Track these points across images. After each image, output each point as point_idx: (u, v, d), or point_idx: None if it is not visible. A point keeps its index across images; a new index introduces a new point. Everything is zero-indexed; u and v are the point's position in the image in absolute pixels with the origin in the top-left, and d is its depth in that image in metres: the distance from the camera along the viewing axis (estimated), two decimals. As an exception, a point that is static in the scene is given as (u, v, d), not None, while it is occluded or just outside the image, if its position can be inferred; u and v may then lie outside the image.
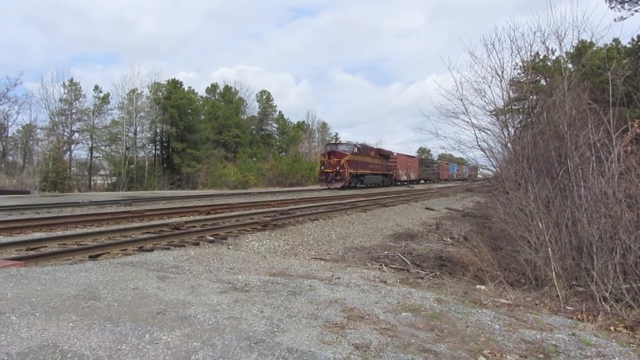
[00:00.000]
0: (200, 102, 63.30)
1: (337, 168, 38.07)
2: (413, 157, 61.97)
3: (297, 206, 19.85)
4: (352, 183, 39.60)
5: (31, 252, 8.21)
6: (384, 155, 50.00)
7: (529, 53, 10.56)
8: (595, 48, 14.28)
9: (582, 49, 12.24)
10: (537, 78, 14.40)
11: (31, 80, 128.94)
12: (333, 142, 45.91)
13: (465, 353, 3.67)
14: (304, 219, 15.06)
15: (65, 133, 47.03)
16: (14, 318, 3.82)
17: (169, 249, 9.18)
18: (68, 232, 10.73)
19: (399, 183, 54.93)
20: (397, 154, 54.77)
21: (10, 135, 47.09)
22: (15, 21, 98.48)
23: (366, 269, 8.79)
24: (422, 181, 65.33)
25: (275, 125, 77.26)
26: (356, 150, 40.80)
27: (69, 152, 47.22)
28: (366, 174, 42.94)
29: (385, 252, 11.57)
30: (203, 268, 7.12)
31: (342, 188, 37.35)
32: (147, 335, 3.57)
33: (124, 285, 5.18)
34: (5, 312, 3.93)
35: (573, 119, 9.01)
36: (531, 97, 11.78)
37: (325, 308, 4.68)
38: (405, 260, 10.55)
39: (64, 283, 5.23)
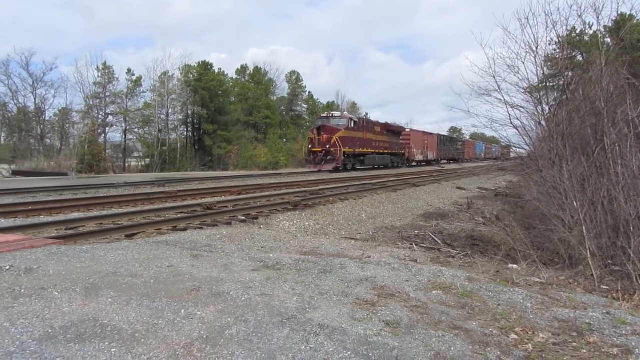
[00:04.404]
0: (231, 84, 63.53)
1: (328, 146, 31.54)
2: (431, 134, 54.74)
3: (327, 186, 19.88)
4: (347, 164, 33.45)
5: (70, 231, 8.47)
6: (393, 131, 43.20)
7: (564, 27, 10.28)
8: (635, 21, 13.74)
9: (621, 22, 11.81)
10: (573, 53, 13.96)
11: (66, 65, 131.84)
12: (324, 115, 37.13)
13: (496, 331, 3.65)
14: (334, 199, 15.09)
15: (100, 116, 47.96)
16: (56, 294, 3.97)
17: (202, 228, 9.33)
18: (104, 212, 11.02)
19: (414, 164, 48.69)
20: (411, 130, 49.64)
21: (47, 118, 48.40)
22: (53, 5, 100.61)
23: (397, 248, 8.79)
24: (445, 161, 59.89)
25: (305, 106, 77.07)
26: (352, 125, 34.15)
27: (103, 135, 48.15)
28: (368, 153, 36.51)
29: (416, 232, 11.54)
30: (235, 247, 7.24)
31: (335, 171, 31.27)
32: (182, 311, 3.67)
33: (159, 263, 5.32)
34: (48, 288, 4.10)
35: (610, 94, 8.73)
36: (567, 73, 11.45)
37: (356, 286, 4.72)
38: (436, 239, 10.51)
39: (102, 261, 5.40)
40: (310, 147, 33.15)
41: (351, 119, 34.64)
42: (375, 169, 38.87)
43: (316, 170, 31.90)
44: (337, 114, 36.66)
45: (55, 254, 5.68)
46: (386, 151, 40.88)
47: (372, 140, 37.49)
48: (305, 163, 34.92)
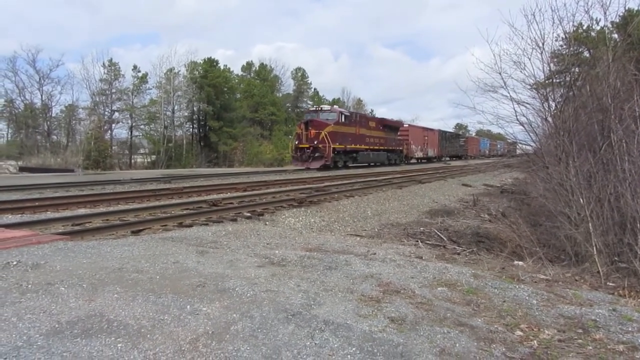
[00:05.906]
0: (236, 81, 63.58)
1: (315, 142, 28.90)
2: (432, 129, 52.16)
3: (332, 183, 19.86)
4: (338, 162, 30.85)
5: (77, 227, 8.52)
6: (389, 126, 40.27)
7: (571, 23, 10.17)
8: (642, 16, 13.64)
9: (629, 18, 11.72)
10: (580, 49, 13.87)
11: (72, 61, 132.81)
12: (313, 109, 34.43)
13: (501, 327, 3.65)
14: (339, 196, 15.08)
15: (106, 112, 48.20)
16: (63, 289, 4.00)
17: (207, 224, 9.35)
18: (111, 209, 11.06)
19: (413, 161, 46.63)
20: (409, 125, 47.72)
21: (54, 115, 48.70)
22: (58, 2, 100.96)
23: (402, 244, 8.78)
24: (447, 158, 57.54)
25: (311, 103, 76.96)
26: (343, 119, 31.39)
27: (109, 131, 48.44)
28: (361, 149, 33.91)
29: (421, 229, 11.51)
30: (241, 243, 7.25)
31: (323, 168, 28.82)
32: (188, 307, 3.69)
33: (165, 259, 5.34)
34: (55, 283, 4.12)
35: (617, 91, 8.67)
36: (573, 69, 11.37)
37: (361, 282, 4.72)
38: (442, 236, 10.48)
39: (109, 257, 5.43)
40: (297, 143, 30.46)
41: (341, 113, 32.19)
42: (375, 166, 36.86)
43: (303, 168, 29.33)
44: (326, 107, 33.49)
45: (62, 249, 5.71)
46: (382, 147, 38.10)
47: (365, 136, 34.87)
48: (292, 160, 32.14)
